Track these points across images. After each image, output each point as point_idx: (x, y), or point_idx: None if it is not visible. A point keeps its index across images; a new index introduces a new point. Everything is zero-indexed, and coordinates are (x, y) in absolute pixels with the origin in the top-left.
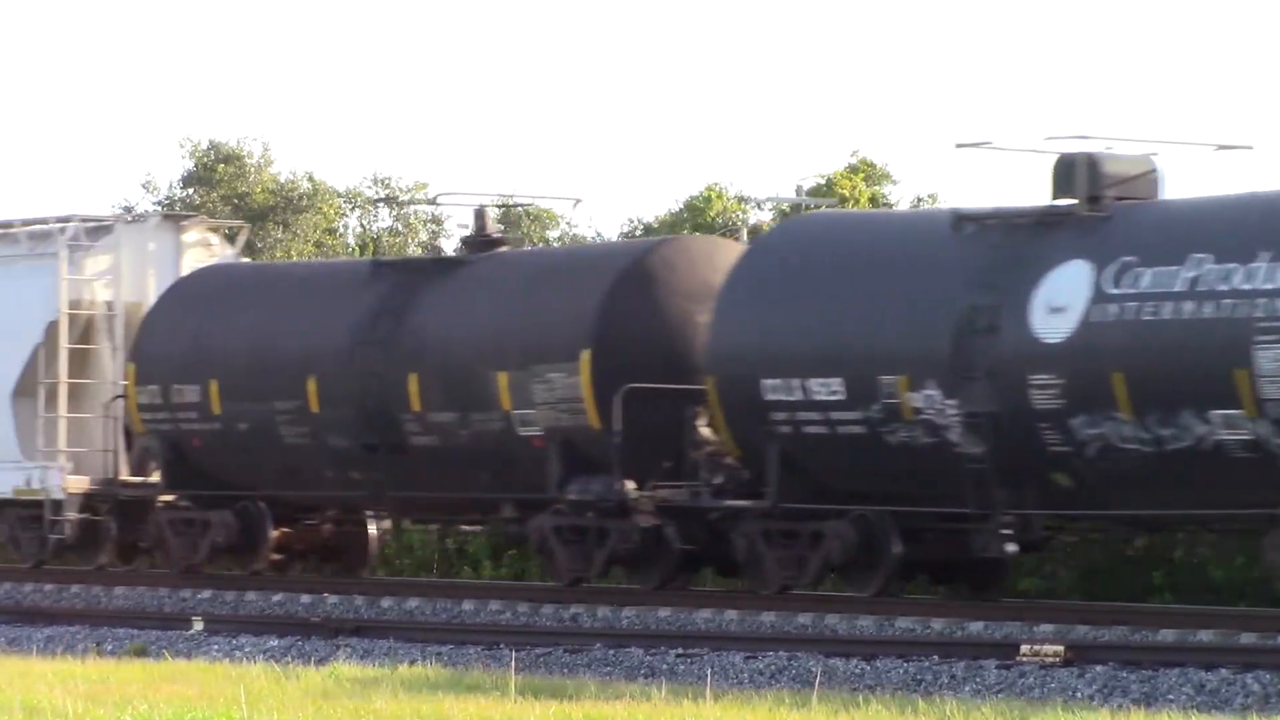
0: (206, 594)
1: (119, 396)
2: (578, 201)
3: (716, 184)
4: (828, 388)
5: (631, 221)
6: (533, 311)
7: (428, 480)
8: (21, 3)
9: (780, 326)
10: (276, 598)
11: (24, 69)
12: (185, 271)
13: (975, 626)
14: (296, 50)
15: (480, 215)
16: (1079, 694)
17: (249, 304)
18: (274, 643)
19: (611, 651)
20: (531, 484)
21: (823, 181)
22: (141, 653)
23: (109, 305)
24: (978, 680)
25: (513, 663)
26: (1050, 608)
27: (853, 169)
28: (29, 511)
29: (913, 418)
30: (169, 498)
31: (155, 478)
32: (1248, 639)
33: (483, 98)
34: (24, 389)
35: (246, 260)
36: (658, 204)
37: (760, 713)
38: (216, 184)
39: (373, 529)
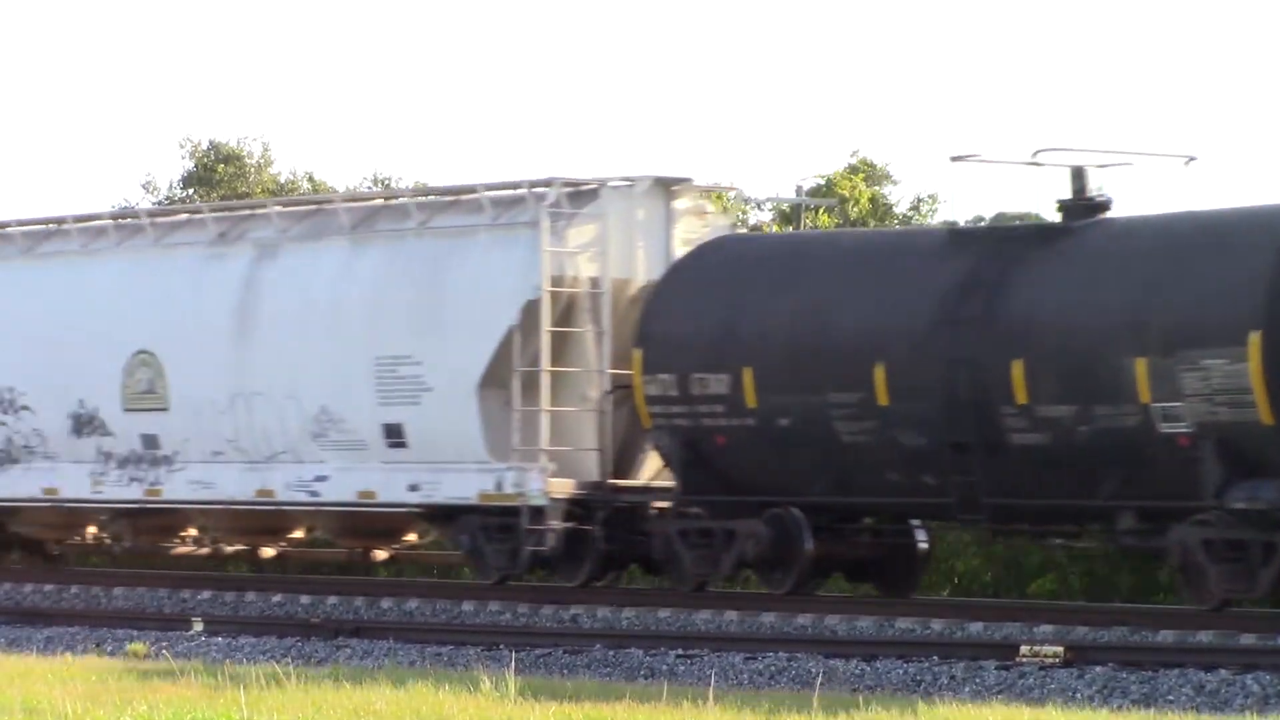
0: (206, 594)
1: (620, 386)
2: (1190, 159)
3: (716, 184)
4: None
5: None
6: (1176, 287)
7: (1028, 484)
8: (21, 3)
9: None
10: (276, 598)
11: (24, 68)
12: (677, 243)
13: (975, 627)
14: (296, 50)
15: (1079, 176)
16: (1079, 695)
17: (787, 280)
18: (274, 643)
19: (611, 652)
20: (1166, 489)
21: (823, 182)
22: (141, 653)
23: (593, 282)
24: (978, 681)
25: (512, 663)
26: (1050, 608)
27: (853, 169)
28: (497, 520)
29: None
30: (664, 505)
31: (656, 480)
32: (1248, 640)
33: (482, 97)
34: (490, 378)
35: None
36: None
37: (760, 714)
38: (216, 184)
39: (922, 541)
